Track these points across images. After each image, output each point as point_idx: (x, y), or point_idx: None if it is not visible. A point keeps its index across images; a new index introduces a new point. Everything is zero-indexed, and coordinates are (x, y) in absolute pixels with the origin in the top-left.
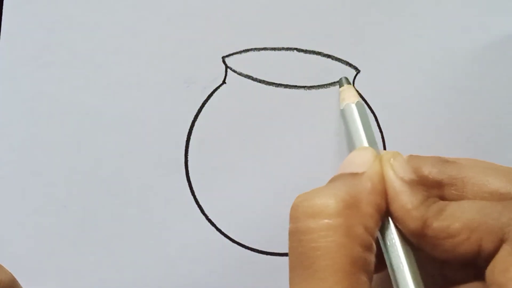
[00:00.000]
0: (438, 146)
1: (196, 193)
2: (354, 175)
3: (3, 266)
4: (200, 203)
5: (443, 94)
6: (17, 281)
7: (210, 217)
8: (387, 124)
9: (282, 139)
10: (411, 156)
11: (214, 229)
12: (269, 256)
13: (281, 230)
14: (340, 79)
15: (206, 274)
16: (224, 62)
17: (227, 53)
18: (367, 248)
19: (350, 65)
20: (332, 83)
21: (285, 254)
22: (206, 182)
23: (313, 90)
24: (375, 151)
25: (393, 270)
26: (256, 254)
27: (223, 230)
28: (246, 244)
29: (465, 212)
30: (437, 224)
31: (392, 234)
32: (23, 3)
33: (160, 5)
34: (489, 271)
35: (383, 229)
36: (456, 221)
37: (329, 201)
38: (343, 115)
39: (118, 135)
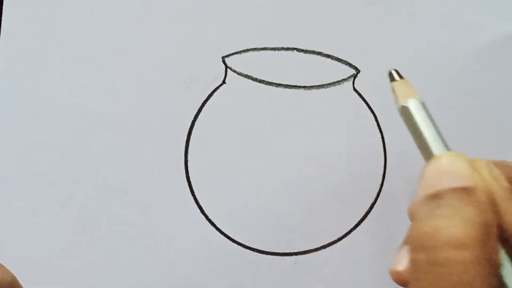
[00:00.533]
0: None
1: (196, 193)
2: (468, 191)
3: (3, 266)
4: (200, 203)
5: (443, 94)
6: (17, 281)
7: (210, 217)
8: (387, 124)
9: (282, 139)
10: (495, 162)
11: (214, 229)
12: (269, 256)
13: (281, 230)
14: (390, 72)
15: (206, 274)
16: (224, 62)
17: (227, 53)
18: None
19: (350, 65)
20: (332, 83)
21: (285, 254)
22: (206, 182)
23: (313, 90)
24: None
25: None
26: (256, 254)
27: (223, 230)
28: (246, 244)
29: None
30: None
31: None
32: (23, 3)
33: (160, 5)
34: None
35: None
36: None
37: (470, 230)
38: (407, 114)
39: (118, 135)
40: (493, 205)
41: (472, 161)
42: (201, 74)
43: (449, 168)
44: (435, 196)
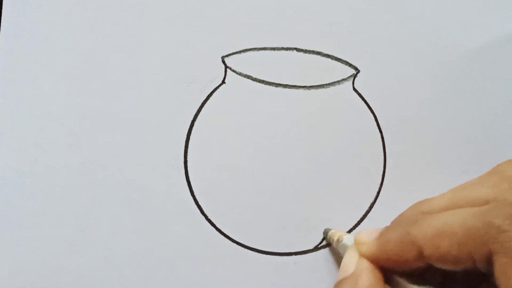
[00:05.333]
0: (438, 146)
1: (195, 193)
2: (346, 280)
3: None
4: (200, 203)
5: (443, 94)
6: None
7: (210, 217)
8: (387, 124)
9: (281, 139)
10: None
11: (214, 229)
12: (269, 256)
13: (281, 230)
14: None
15: (206, 274)
16: (223, 62)
17: (226, 53)
18: None
19: (350, 65)
20: (332, 83)
21: (285, 254)
22: (205, 182)
23: (313, 90)
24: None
25: None
26: (256, 254)
27: (223, 230)
28: (246, 244)
29: (451, 226)
30: (428, 247)
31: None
32: (23, 3)
33: (159, 5)
34: (497, 281)
35: None
36: (444, 239)
37: None
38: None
39: (118, 135)
40: (372, 272)
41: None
42: (201, 74)
43: (342, 264)
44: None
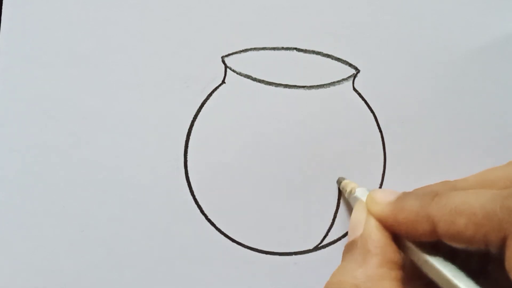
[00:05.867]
0: (438, 146)
1: (195, 193)
2: (353, 245)
3: None
4: (200, 203)
5: (443, 94)
6: None
7: (210, 217)
8: (387, 124)
9: (281, 139)
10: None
11: (214, 229)
12: (269, 256)
13: (281, 230)
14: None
15: (206, 274)
16: (223, 62)
17: (226, 53)
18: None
19: (350, 65)
20: (332, 83)
21: (285, 254)
22: (205, 182)
23: (313, 90)
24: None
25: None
26: (256, 253)
27: (223, 230)
28: (246, 244)
29: (469, 206)
30: (443, 223)
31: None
32: (23, 3)
33: (159, 5)
34: (507, 265)
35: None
36: (461, 217)
37: None
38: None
39: (117, 135)
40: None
41: (369, 197)
42: (201, 74)
43: (350, 223)
44: (344, 250)
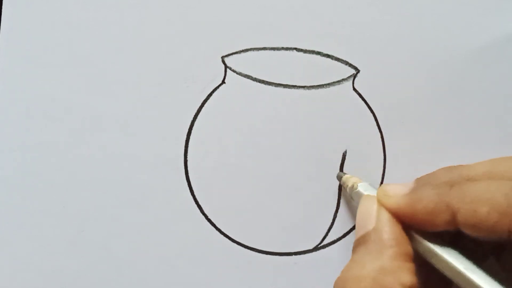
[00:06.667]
0: (438, 146)
1: (195, 193)
2: (365, 239)
3: None
4: (200, 203)
5: (443, 94)
6: None
7: (210, 217)
8: (387, 124)
9: (281, 139)
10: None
11: (214, 229)
12: (269, 256)
13: (281, 230)
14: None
15: (206, 274)
16: (223, 62)
17: (226, 53)
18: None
19: (350, 65)
20: (331, 83)
21: (285, 254)
22: (205, 182)
23: (313, 90)
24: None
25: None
26: (256, 254)
27: (223, 230)
28: (246, 244)
29: (493, 195)
30: (464, 211)
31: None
32: (23, 3)
33: (159, 5)
34: None
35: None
36: (483, 205)
37: (366, 285)
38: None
39: (117, 134)
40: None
41: (380, 189)
42: (201, 74)
43: (359, 216)
44: (354, 245)
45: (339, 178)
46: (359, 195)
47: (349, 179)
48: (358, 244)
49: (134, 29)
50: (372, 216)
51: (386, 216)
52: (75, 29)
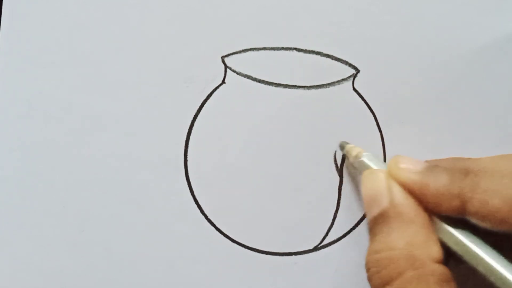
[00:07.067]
0: (438, 146)
1: (195, 193)
2: (384, 216)
3: None
4: (200, 203)
5: (443, 94)
6: None
7: (210, 217)
8: (387, 124)
9: (281, 139)
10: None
11: (214, 229)
12: (269, 256)
13: (281, 230)
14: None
15: (206, 274)
16: (223, 62)
17: (226, 53)
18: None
19: (350, 65)
20: (332, 83)
21: (285, 254)
22: (205, 182)
23: (313, 90)
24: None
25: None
26: (256, 254)
27: (223, 230)
28: (246, 244)
29: (506, 188)
30: (476, 201)
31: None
32: (23, 3)
33: (159, 5)
34: None
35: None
36: (496, 197)
37: (400, 264)
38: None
39: (117, 134)
40: (412, 205)
41: (393, 161)
42: (201, 74)
43: (366, 193)
44: (370, 226)
45: (342, 147)
46: (363, 164)
47: (353, 148)
48: (376, 223)
49: (134, 29)
50: (384, 192)
51: (399, 190)
52: (75, 29)
